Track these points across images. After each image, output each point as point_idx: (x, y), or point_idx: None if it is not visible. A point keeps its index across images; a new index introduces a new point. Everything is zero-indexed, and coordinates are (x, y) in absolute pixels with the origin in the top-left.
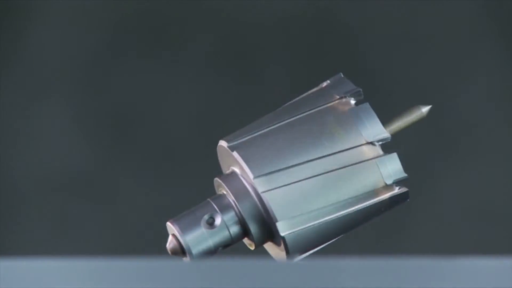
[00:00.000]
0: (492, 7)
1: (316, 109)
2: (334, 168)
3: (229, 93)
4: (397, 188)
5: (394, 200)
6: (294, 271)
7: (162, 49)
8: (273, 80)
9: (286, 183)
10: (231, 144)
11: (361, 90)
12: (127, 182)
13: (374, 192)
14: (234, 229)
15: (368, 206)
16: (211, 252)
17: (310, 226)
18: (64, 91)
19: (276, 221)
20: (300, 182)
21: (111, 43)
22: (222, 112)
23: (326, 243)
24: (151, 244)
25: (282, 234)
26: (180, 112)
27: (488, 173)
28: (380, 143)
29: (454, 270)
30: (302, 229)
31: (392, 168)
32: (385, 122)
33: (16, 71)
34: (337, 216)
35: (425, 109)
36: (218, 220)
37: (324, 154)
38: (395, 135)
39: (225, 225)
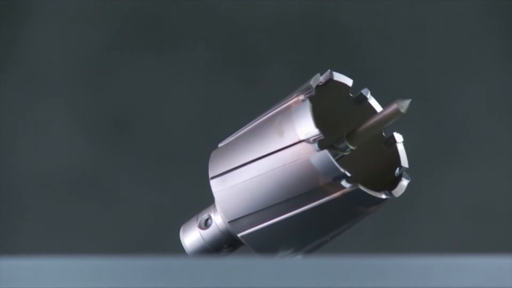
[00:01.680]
0: (493, 7)
1: (275, 110)
2: (275, 167)
3: (229, 93)
4: (348, 185)
5: (357, 200)
6: (293, 270)
7: (162, 49)
8: (273, 80)
9: (234, 183)
10: (213, 152)
11: (312, 86)
12: (127, 182)
13: (322, 191)
14: (225, 230)
15: (321, 206)
16: (209, 251)
17: (264, 226)
18: (64, 91)
19: (226, 221)
20: (247, 181)
21: (111, 43)
22: (222, 112)
23: (309, 246)
24: (151, 244)
25: (238, 235)
26: (180, 112)
27: (488, 173)
28: (313, 140)
29: (454, 269)
30: (257, 229)
31: (326, 165)
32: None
33: (16, 71)
34: (288, 216)
35: (399, 104)
36: (211, 221)
37: (268, 153)
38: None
39: (216, 225)
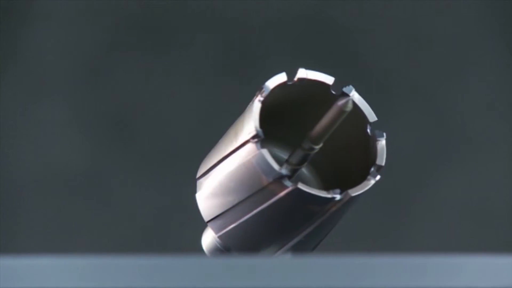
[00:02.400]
0: (494, 7)
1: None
2: (230, 169)
3: (229, 93)
4: (290, 185)
5: (304, 199)
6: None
7: (163, 49)
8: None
9: (205, 186)
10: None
11: (265, 86)
12: (127, 182)
13: (269, 191)
14: None
15: (272, 206)
16: (221, 251)
17: (234, 226)
18: (64, 91)
19: (205, 221)
20: (213, 183)
21: (111, 43)
22: (222, 112)
23: (283, 246)
24: (151, 243)
25: (216, 235)
26: (180, 112)
27: (488, 173)
28: (253, 139)
29: (454, 268)
30: (228, 230)
31: (264, 165)
32: (382, 121)
33: (16, 71)
34: (250, 216)
35: (341, 103)
36: None
37: (226, 154)
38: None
39: None
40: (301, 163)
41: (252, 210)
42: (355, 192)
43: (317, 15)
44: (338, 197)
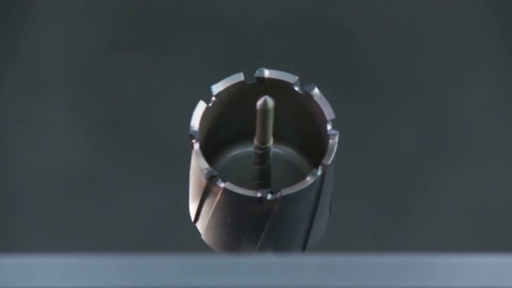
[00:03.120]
0: (495, 7)
1: None
2: (191, 171)
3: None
4: (222, 185)
5: (238, 199)
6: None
7: (163, 49)
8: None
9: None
10: None
11: (212, 86)
12: (127, 182)
13: (212, 191)
14: None
15: (219, 206)
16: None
17: (206, 227)
18: (64, 91)
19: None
20: (190, 187)
21: (111, 43)
22: None
23: (251, 247)
24: (151, 243)
25: (201, 235)
26: (180, 112)
27: (488, 173)
28: (191, 139)
29: (454, 268)
30: (205, 230)
31: (198, 165)
32: (380, 122)
33: (16, 71)
34: (210, 218)
35: (259, 104)
36: None
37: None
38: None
39: None
40: (263, 162)
41: (209, 212)
42: (288, 191)
43: (317, 15)
44: (269, 196)
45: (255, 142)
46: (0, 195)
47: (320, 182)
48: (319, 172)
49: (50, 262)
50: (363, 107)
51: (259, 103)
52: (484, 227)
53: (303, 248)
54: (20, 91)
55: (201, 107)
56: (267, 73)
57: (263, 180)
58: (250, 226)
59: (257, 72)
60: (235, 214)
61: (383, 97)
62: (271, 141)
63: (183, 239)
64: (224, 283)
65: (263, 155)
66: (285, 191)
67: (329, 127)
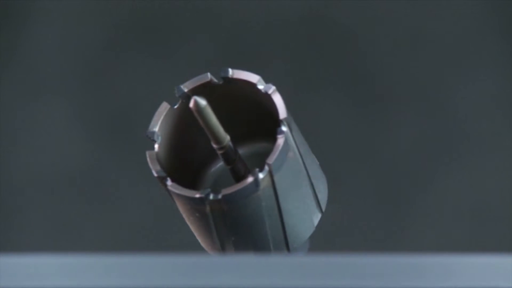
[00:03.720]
0: (495, 7)
1: None
2: None
3: None
4: (169, 185)
5: (184, 199)
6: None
7: (162, 49)
8: (273, 80)
9: None
10: None
11: (177, 87)
12: (127, 182)
13: (168, 192)
14: None
15: (182, 209)
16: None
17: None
18: (64, 90)
19: None
20: None
21: (111, 43)
22: None
23: (225, 245)
24: (151, 243)
25: None
26: None
27: (488, 173)
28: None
29: (454, 268)
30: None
31: (153, 164)
32: (380, 122)
33: (16, 71)
34: (185, 219)
35: (191, 106)
36: None
37: None
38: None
39: None
40: (229, 161)
41: (181, 213)
42: (228, 191)
43: (317, 15)
44: (211, 196)
45: (212, 143)
46: (0, 195)
47: (270, 182)
48: (262, 172)
49: (50, 262)
50: (363, 107)
51: (191, 104)
52: (484, 227)
53: (287, 248)
54: (20, 90)
55: (162, 107)
56: (231, 72)
57: (241, 178)
58: (212, 227)
59: (222, 72)
60: (193, 215)
61: (383, 97)
62: (226, 140)
63: (183, 239)
64: (224, 283)
65: (225, 154)
66: (225, 191)
67: (282, 127)
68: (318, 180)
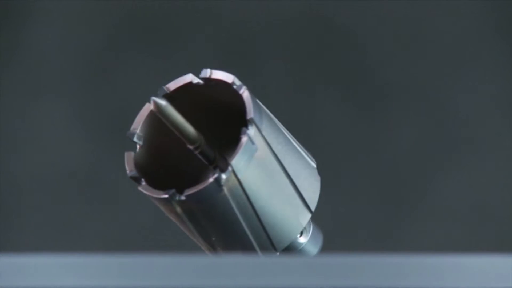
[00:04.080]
0: (495, 7)
1: None
2: None
3: None
4: (142, 185)
5: (155, 199)
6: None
7: (162, 49)
8: (273, 80)
9: None
10: None
11: (161, 88)
12: (127, 182)
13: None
14: None
15: (161, 208)
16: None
17: None
18: (64, 90)
19: None
20: None
21: (111, 43)
22: None
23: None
24: (151, 243)
25: None
26: None
27: (488, 173)
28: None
29: (454, 268)
30: None
31: (128, 164)
32: (382, 121)
33: (16, 71)
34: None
35: (154, 106)
36: None
37: None
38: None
39: None
40: (210, 161)
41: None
42: (190, 191)
43: (317, 15)
44: (176, 196)
45: (186, 144)
46: (0, 195)
47: (237, 182)
48: (225, 172)
49: (50, 262)
50: (363, 106)
51: (151, 105)
52: (484, 227)
53: (274, 248)
54: (20, 91)
55: (144, 108)
56: (209, 73)
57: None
58: (191, 227)
59: (201, 73)
60: (171, 215)
61: (383, 97)
62: (199, 140)
63: (183, 239)
64: (224, 283)
65: (202, 154)
66: (188, 191)
67: (248, 127)
68: (304, 179)
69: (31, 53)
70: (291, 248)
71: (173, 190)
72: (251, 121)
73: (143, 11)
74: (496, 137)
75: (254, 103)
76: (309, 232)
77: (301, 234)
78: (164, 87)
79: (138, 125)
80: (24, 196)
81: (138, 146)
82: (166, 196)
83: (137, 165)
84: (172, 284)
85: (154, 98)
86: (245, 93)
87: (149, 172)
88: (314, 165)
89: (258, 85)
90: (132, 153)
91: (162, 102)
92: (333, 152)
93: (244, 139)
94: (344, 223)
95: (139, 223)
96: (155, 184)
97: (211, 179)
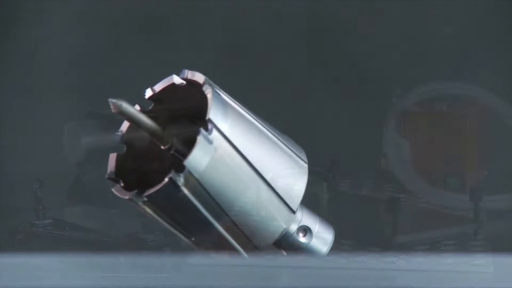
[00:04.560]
0: (495, 7)
1: None
2: None
3: (228, 93)
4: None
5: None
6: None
7: (163, 49)
8: (273, 79)
9: None
10: None
11: (148, 89)
12: None
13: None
14: None
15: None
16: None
17: None
18: (64, 90)
19: None
20: None
21: (111, 43)
22: None
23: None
24: (150, 243)
25: None
26: None
27: (488, 173)
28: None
29: (453, 267)
30: None
31: (110, 164)
32: (381, 120)
33: (16, 71)
34: None
35: (114, 106)
36: None
37: None
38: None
39: None
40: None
41: None
42: (149, 191)
43: (317, 15)
44: (137, 197)
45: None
46: (0, 195)
47: (196, 182)
48: (181, 173)
49: (50, 262)
50: (363, 106)
51: (111, 107)
52: (484, 227)
53: (255, 247)
54: (20, 90)
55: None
56: (186, 73)
57: None
58: (168, 226)
59: (180, 73)
60: (150, 216)
61: (382, 96)
62: (169, 139)
63: (183, 239)
64: (224, 283)
65: (178, 153)
66: (147, 192)
67: (208, 126)
68: (283, 179)
69: (31, 53)
70: (294, 248)
71: (135, 191)
72: (209, 121)
73: (143, 11)
74: (496, 137)
75: (218, 103)
76: (313, 231)
77: (305, 233)
78: (150, 89)
79: (125, 127)
80: (24, 196)
81: (125, 148)
82: (129, 197)
83: (123, 167)
84: (172, 284)
85: (111, 99)
86: (209, 94)
87: (137, 173)
88: (303, 164)
89: (258, 84)
90: (116, 155)
91: (119, 103)
92: (332, 151)
93: (200, 139)
94: (344, 223)
95: (139, 223)
96: (143, 185)
97: (166, 179)
